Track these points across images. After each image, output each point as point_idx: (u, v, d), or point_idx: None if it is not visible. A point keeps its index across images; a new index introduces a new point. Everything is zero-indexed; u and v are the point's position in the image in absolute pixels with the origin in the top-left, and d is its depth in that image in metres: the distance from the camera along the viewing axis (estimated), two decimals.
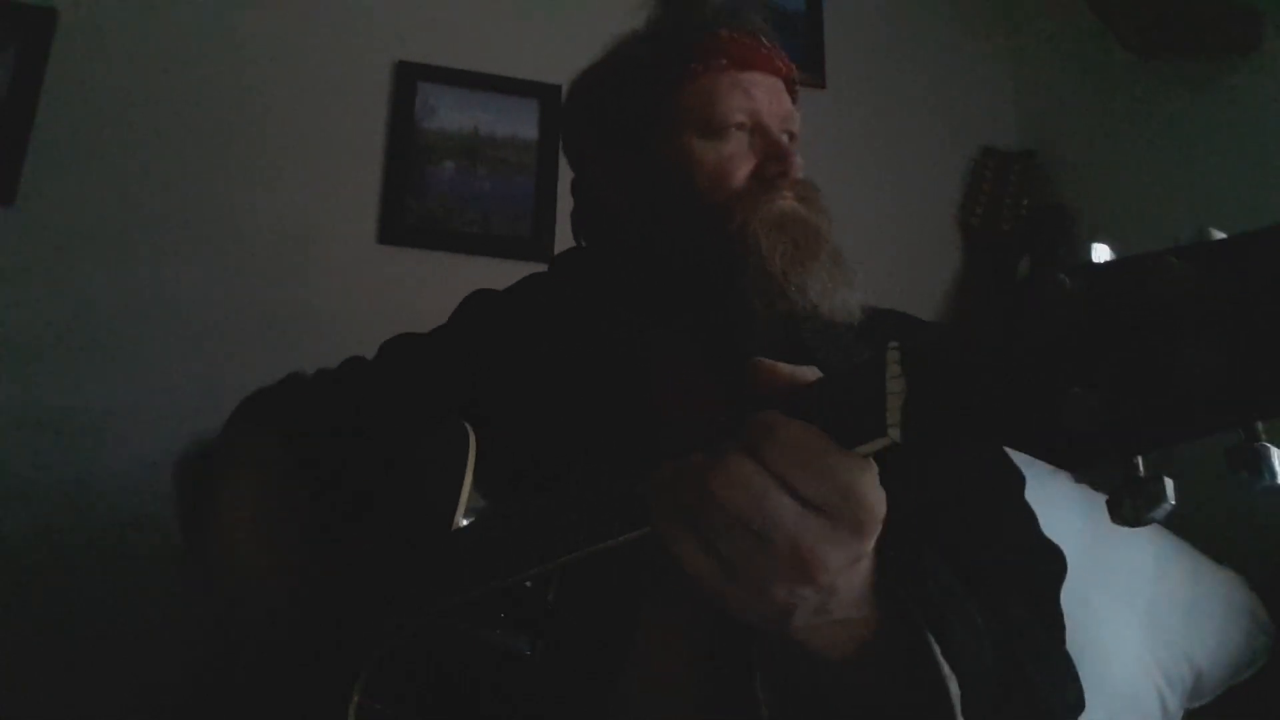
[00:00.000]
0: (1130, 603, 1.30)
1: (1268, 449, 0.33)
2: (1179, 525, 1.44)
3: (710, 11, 0.89)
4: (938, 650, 0.52)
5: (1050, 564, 0.79)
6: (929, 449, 0.42)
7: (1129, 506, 0.36)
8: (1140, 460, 0.36)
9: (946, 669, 0.52)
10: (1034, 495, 0.84)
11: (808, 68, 2.05)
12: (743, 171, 0.83)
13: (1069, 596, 0.79)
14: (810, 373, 0.48)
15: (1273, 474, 0.33)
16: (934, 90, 2.15)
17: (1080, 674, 0.74)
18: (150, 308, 1.56)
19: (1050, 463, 0.39)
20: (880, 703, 0.54)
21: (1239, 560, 1.42)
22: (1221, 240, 0.33)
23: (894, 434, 0.41)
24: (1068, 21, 2.04)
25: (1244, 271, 0.32)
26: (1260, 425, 0.33)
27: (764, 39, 0.88)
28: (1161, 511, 0.36)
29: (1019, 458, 0.88)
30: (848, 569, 0.46)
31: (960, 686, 0.52)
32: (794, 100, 0.91)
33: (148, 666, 1.34)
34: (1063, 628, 0.76)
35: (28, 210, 1.54)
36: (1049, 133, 2.10)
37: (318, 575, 0.80)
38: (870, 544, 0.46)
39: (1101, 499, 1.21)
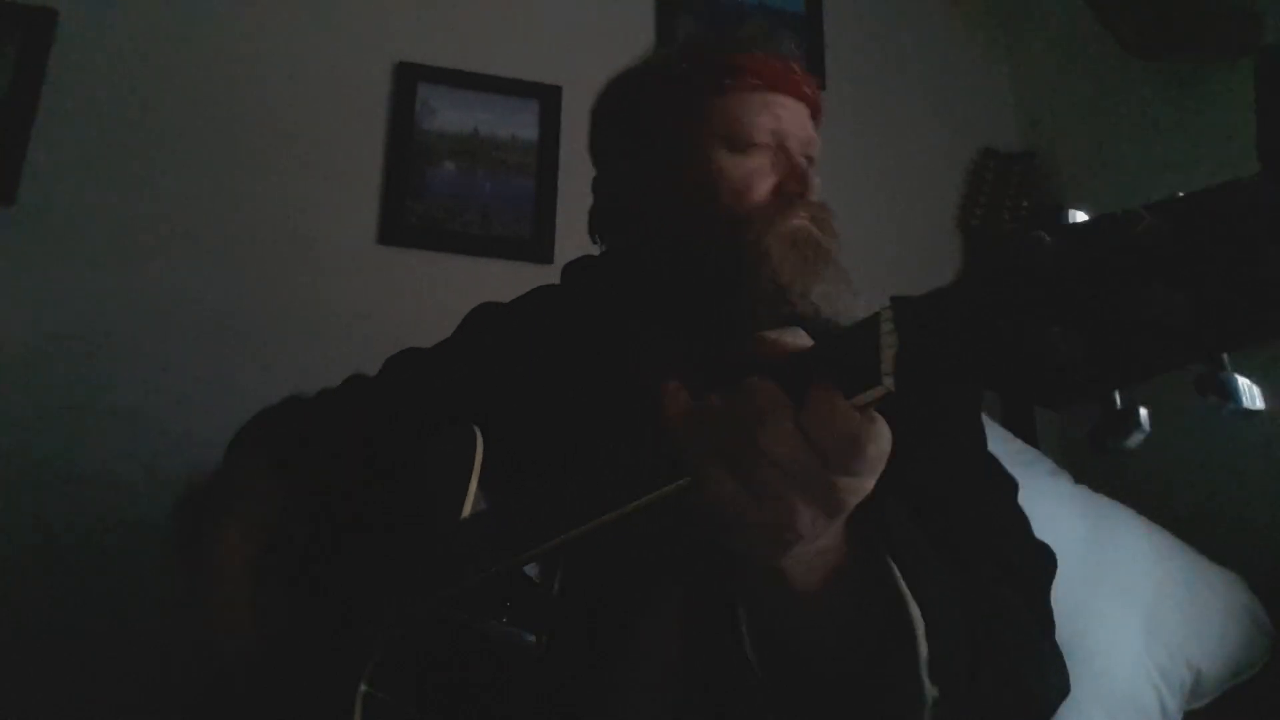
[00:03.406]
0: (1130, 603, 1.30)
1: (1234, 377, 0.36)
2: (1179, 525, 1.44)
3: (748, 33, 0.95)
4: (898, 574, 0.56)
5: (1040, 560, 0.81)
6: (921, 396, 0.45)
7: (1110, 437, 0.39)
8: (1117, 395, 0.39)
9: (906, 591, 0.55)
10: (1034, 497, 0.84)
11: (807, 68, 2.04)
12: (764, 187, 0.88)
13: (1069, 598, 0.79)
14: (806, 339, 0.52)
15: (1237, 399, 0.36)
16: (934, 91, 2.15)
17: (1080, 674, 0.74)
18: (150, 308, 1.57)
19: (1034, 403, 0.42)
20: (850, 632, 0.57)
21: (1239, 560, 1.42)
22: (1187, 195, 0.37)
23: (888, 383, 0.44)
24: (1068, 22, 2.04)
25: (1206, 220, 0.35)
26: (1225, 357, 0.36)
27: (796, 66, 0.94)
28: (1137, 439, 0.39)
29: (1012, 465, 0.89)
30: (853, 505, 0.49)
31: (925, 619, 0.55)
32: (816, 126, 0.96)
33: (150, 664, 1.34)
34: (1051, 622, 0.78)
35: (28, 210, 1.54)
36: (1049, 133, 2.10)
37: (325, 576, 0.81)
38: (873, 482, 0.49)
39: (1102, 500, 1.21)
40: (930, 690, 0.56)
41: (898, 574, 0.56)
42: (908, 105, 2.13)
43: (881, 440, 0.46)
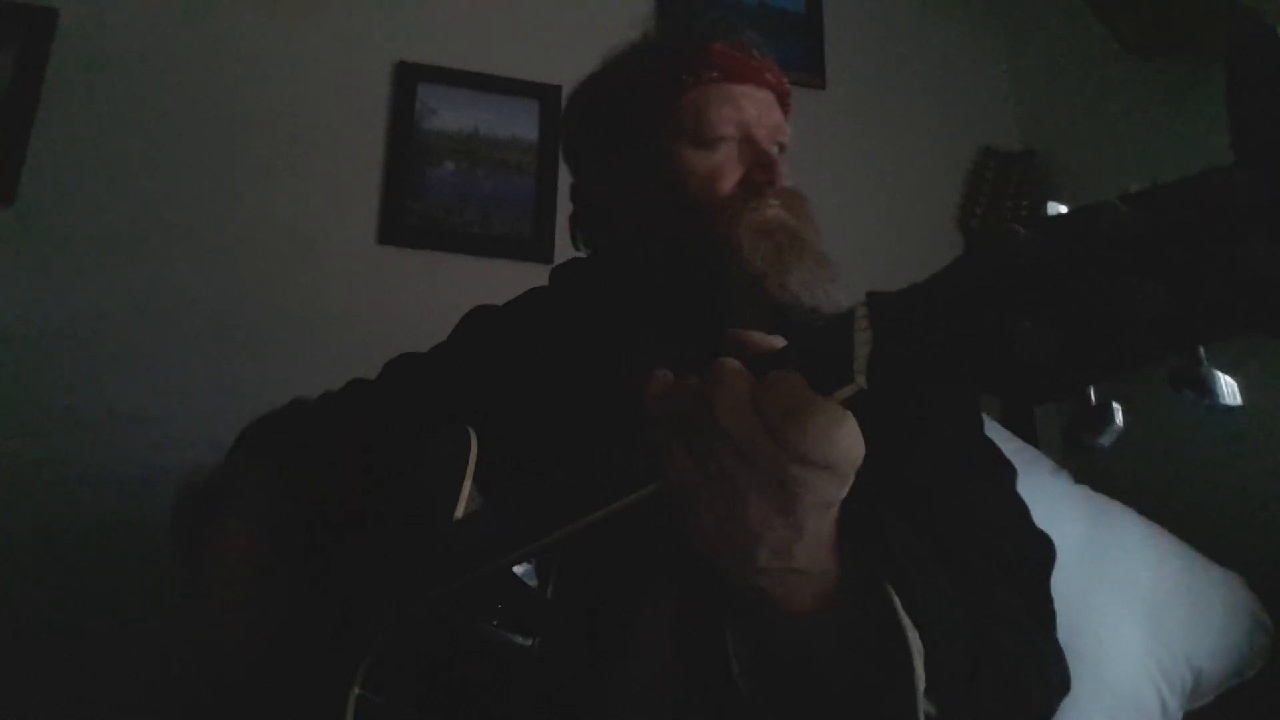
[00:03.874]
0: (1130, 603, 1.30)
1: (1211, 372, 0.35)
2: (1179, 525, 1.44)
3: (705, 25, 0.93)
4: (897, 601, 0.54)
5: (1039, 551, 0.81)
6: (895, 394, 0.44)
7: (1085, 433, 0.39)
8: (1092, 391, 0.39)
9: (905, 619, 0.53)
10: (1034, 497, 0.84)
11: (808, 68, 2.05)
12: (731, 179, 0.87)
13: (1069, 598, 0.79)
14: (780, 341, 0.51)
15: (1215, 394, 0.35)
16: (934, 91, 2.15)
17: (1080, 674, 0.74)
18: (150, 308, 1.56)
19: (1011, 399, 0.42)
20: (843, 658, 0.56)
21: (1239, 560, 1.42)
22: (1162, 185, 0.36)
23: (860, 380, 0.43)
24: (1067, 22, 2.04)
25: (1181, 210, 0.34)
26: (1202, 350, 0.35)
27: (755, 53, 0.92)
28: (1111, 435, 0.38)
29: (1013, 454, 0.88)
30: (819, 512, 0.48)
31: (923, 641, 0.53)
32: (785, 112, 0.94)
33: (150, 664, 1.34)
34: (1052, 614, 0.77)
35: (28, 210, 1.54)
36: (1049, 133, 2.10)
37: (324, 578, 0.81)
38: (844, 490, 0.48)
39: (1102, 500, 1.21)
40: (927, 707, 0.54)
41: (897, 603, 0.54)
42: (908, 105, 2.13)
43: (842, 432, 0.45)
